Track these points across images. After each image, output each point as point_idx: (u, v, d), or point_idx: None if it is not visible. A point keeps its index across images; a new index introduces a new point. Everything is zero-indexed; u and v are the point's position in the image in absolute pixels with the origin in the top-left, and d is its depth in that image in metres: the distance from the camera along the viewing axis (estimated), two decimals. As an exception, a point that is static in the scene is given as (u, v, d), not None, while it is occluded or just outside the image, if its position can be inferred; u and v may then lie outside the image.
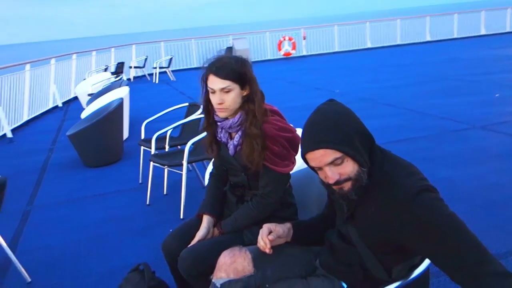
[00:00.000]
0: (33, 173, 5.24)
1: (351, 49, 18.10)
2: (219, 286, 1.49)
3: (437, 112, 6.38)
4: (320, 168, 1.36)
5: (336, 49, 18.08)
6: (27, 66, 8.74)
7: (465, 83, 8.66)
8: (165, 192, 4.09)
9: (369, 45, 18.39)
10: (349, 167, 1.33)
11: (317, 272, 1.56)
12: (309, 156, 1.35)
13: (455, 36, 19.10)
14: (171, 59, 14.44)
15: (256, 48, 17.67)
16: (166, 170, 4.02)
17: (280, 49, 17.38)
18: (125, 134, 6.29)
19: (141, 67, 14.89)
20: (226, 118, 1.98)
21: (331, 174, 1.33)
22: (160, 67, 14.07)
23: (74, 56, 11.72)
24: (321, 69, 13.72)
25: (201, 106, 2.09)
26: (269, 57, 17.45)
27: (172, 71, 14.31)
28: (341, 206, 1.45)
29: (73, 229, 3.61)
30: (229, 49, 16.38)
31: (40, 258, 3.14)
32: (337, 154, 1.31)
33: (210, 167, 2.48)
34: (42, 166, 5.52)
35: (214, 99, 1.91)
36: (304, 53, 17.84)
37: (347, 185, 1.34)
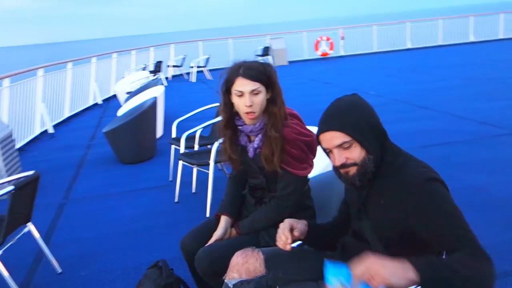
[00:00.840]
0: (70, 167, 5.44)
1: (390, 49, 17.76)
2: (231, 286, 1.51)
3: (476, 116, 6.18)
4: (330, 151, 1.45)
5: (375, 50, 17.79)
6: (69, 65, 9.07)
7: (508, 87, 8.33)
8: (193, 191, 4.16)
9: (409, 46, 17.99)
10: (356, 153, 1.41)
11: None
12: (321, 137, 1.46)
13: (501, 37, 18.39)
14: (208, 58, 14.62)
15: (293, 48, 17.62)
16: (195, 169, 4.08)
17: (317, 49, 17.26)
18: (159, 132, 6.42)
19: (179, 66, 15.15)
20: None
21: (338, 157, 1.42)
22: (198, 66, 14.28)
23: (114, 55, 12.06)
24: (358, 69, 13.54)
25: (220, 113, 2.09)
26: (306, 57, 17.37)
27: (209, 70, 14.48)
28: (353, 200, 1.52)
29: (104, 224, 3.73)
30: (266, 49, 16.43)
31: (72, 250, 3.27)
32: (346, 138, 1.40)
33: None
34: (79, 161, 5.72)
35: (243, 102, 1.90)
36: (342, 53, 17.64)
37: (352, 170, 1.43)
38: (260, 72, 1.92)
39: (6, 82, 6.23)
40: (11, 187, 2.45)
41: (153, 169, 5.07)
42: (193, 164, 3.80)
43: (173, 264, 2.23)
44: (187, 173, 4.17)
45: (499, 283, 2.42)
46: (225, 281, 1.55)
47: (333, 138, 1.42)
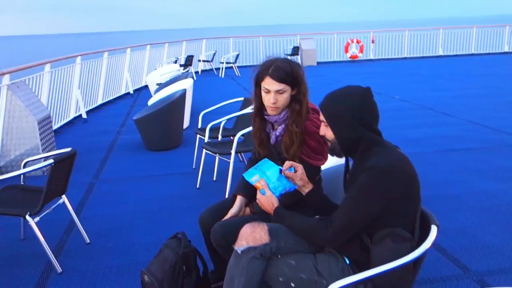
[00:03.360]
0: (101, 151, 5.76)
1: (421, 55, 17.65)
2: (240, 252, 1.74)
3: (497, 125, 6.22)
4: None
5: (405, 55, 17.70)
6: (105, 54, 9.46)
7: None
8: (214, 178, 4.40)
9: (440, 53, 17.84)
10: (329, 133, 1.79)
11: (325, 249, 1.77)
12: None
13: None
14: (238, 55, 14.88)
15: (323, 49, 17.71)
16: (217, 158, 4.32)
17: (347, 52, 17.30)
18: (186, 123, 6.70)
19: (209, 61, 15.46)
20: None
21: (321, 129, 1.84)
22: (227, 62, 14.56)
23: (148, 47, 12.44)
24: (386, 74, 13.56)
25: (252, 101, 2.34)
26: (335, 59, 17.43)
27: (238, 66, 14.74)
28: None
29: (130, 203, 4.01)
30: (296, 48, 16.58)
31: (99, 224, 3.55)
32: (323, 119, 1.80)
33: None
34: (109, 145, 6.04)
35: (268, 98, 2.16)
36: (372, 56, 17.64)
37: (329, 144, 1.83)
38: (287, 74, 2.14)
39: (47, 67, 6.61)
40: (51, 161, 2.73)
41: (178, 157, 5.34)
42: (215, 153, 4.04)
43: (197, 241, 2.44)
44: (209, 161, 4.42)
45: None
46: (235, 248, 1.77)
47: (322, 116, 1.81)
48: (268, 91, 2.14)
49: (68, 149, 3.00)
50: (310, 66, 16.35)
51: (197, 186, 4.27)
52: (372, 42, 17.65)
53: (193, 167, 4.83)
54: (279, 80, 2.11)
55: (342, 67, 15.60)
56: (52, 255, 2.83)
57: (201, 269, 2.35)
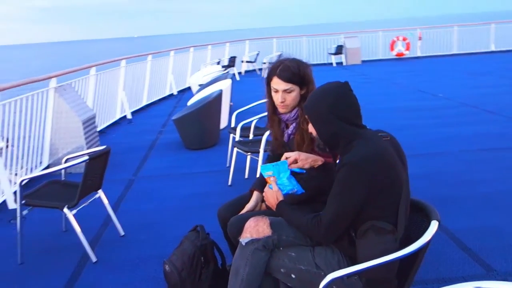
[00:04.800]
0: (142, 150, 6.03)
1: (471, 51, 16.99)
2: (244, 244, 1.83)
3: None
4: None
5: (454, 51, 17.11)
6: (149, 57, 9.82)
7: None
8: (246, 176, 4.51)
9: (492, 48, 17.10)
10: (312, 129, 1.89)
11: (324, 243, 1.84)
12: None
13: None
14: (280, 55, 14.88)
15: (368, 47, 17.45)
16: (248, 157, 4.43)
17: (392, 49, 16.95)
18: (224, 122, 6.86)
19: (252, 62, 15.63)
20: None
21: (309, 127, 1.91)
22: (269, 63, 14.58)
23: (191, 49, 12.77)
24: (432, 71, 13.19)
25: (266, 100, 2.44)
26: (380, 57, 17.13)
27: (281, 67, 14.78)
28: None
29: (164, 199, 4.19)
30: (340, 47, 16.44)
31: (134, 218, 3.75)
32: (306, 116, 1.89)
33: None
34: (150, 144, 6.30)
35: (277, 97, 2.27)
36: (419, 54, 17.18)
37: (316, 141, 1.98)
38: (294, 74, 2.23)
39: (93, 70, 6.98)
40: (86, 157, 2.94)
41: (214, 155, 5.50)
42: (245, 152, 4.15)
43: (220, 236, 2.55)
44: (242, 160, 4.54)
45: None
46: (240, 240, 1.87)
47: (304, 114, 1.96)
48: (276, 91, 2.24)
49: (103, 147, 3.21)
50: (355, 64, 16.17)
51: (229, 184, 4.40)
52: (419, 39, 17.19)
53: (227, 165, 4.96)
54: (286, 79, 2.20)
55: (387, 65, 15.31)
56: (88, 246, 3.04)
57: (220, 261, 2.46)
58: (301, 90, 2.28)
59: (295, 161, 2.09)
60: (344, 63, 16.45)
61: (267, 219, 1.89)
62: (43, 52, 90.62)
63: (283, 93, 2.25)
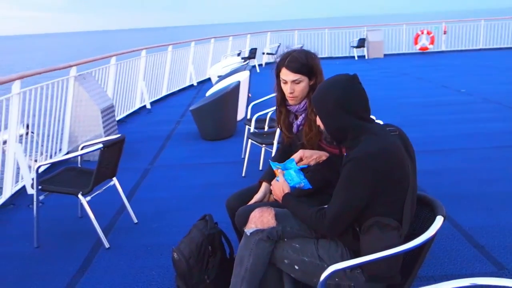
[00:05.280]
0: (159, 139, 6.10)
1: (498, 46, 16.57)
2: (248, 234, 1.85)
3: None
4: None
5: (481, 46, 16.71)
6: (170, 48, 9.88)
7: None
8: (260, 168, 4.52)
9: (521, 43, 16.64)
10: (319, 121, 1.86)
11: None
12: None
13: None
14: (301, 47, 14.82)
15: (391, 40, 17.19)
16: (263, 148, 4.43)
17: (416, 43, 16.66)
18: (242, 114, 6.87)
19: (273, 54, 15.56)
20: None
21: (317, 119, 1.88)
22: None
23: (212, 40, 12.79)
24: (456, 66, 12.92)
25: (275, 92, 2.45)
26: (403, 51, 16.88)
27: (302, 59, 14.68)
28: None
29: (178, 188, 4.24)
30: (362, 40, 16.24)
31: (148, 206, 3.80)
32: (314, 108, 1.89)
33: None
34: (168, 134, 6.37)
35: (286, 88, 2.28)
36: (443, 48, 16.86)
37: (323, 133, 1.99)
38: (302, 64, 2.23)
39: (113, 60, 7.06)
40: (100, 145, 2.99)
41: (229, 147, 5.52)
42: (259, 143, 4.16)
43: (230, 226, 2.56)
44: (257, 152, 4.55)
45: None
46: (245, 230, 1.89)
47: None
48: (285, 82, 2.24)
49: (118, 135, 3.26)
50: (377, 58, 15.96)
51: (243, 175, 4.42)
52: (444, 33, 16.84)
53: (242, 156, 4.98)
54: (294, 70, 2.19)
55: (411, 60, 15.06)
56: (101, 232, 3.10)
57: (228, 251, 2.49)
58: (310, 80, 2.27)
59: (301, 159, 2.10)
60: (366, 57, 16.25)
61: (272, 210, 1.90)
62: (73, 41, 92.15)
63: (292, 84, 2.25)
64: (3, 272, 2.88)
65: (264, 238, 1.82)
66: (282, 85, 2.30)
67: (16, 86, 4.10)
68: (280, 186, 1.95)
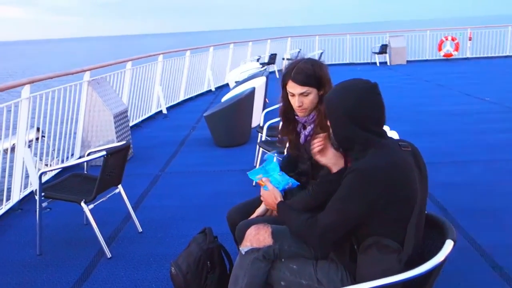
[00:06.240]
0: (173, 145, 6.04)
1: (526, 53, 16.07)
2: (243, 253, 1.73)
3: None
4: None
5: (507, 53, 16.24)
6: (187, 53, 9.86)
7: None
8: (271, 177, 4.40)
9: (550, 51, 16.10)
10: (328, 128, 1.78)
11: (330, 256, 1.70)
12: None
13: None
14: (322, 53, 14.69)
15: (414, 47, 16.86)
16: (274, 158, 4.31)
17: (440, 50, 16.29)
18: (257, 121, 6.76)
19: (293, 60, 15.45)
20: None
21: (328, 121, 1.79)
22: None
23: (231, 45, 12.74)
24: (482, 73, 12.57)
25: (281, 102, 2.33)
26: (427, 57, 16.52)
27: (323, 65, 14.52)
28: None
29: (187, 196, 4.16)
30: (384, 46, 15.98)
31: (155, 215, 3.73)
32: (326, 113, 1.77)
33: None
34: (182, 140, 6.31)
35: (294, 101, 2.16)
36: (468, 55, 16.44)
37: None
38: (309, 76, 2.10)
39: (129, 65, 7.06)
40: (103, 152, 2.92)
41: (243, 154, 5.42)
42: (269, 152, 4.04)
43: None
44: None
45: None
46: (240, 249, 1.78)
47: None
48: (293, 95, 2.12)
49: (123, 142, 3.19)
50: (399, 64, 15.67)
51: (253, 184, 4.30)
52: (470, 39, 16.43)
53: (254, 164, 4.87)
54: (301, 83, 2.08)
55: (434, 66, 14.73)
56: (103, 241, 3.03)
57: (228, 266, 2.38)
58: (318, 91, 2.15)
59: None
60: (388, 63, 15.97)
61: (269, 227, 1.79)
62: (100, 46, 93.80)
63: (300, 97, 2.12)
64: (5, 280, 2.84)
65: (259, 258, 1.71)
66: (290, 97, 2.18)
67: (25, 91, 4.09)
68: (271, 195, 1.86)
